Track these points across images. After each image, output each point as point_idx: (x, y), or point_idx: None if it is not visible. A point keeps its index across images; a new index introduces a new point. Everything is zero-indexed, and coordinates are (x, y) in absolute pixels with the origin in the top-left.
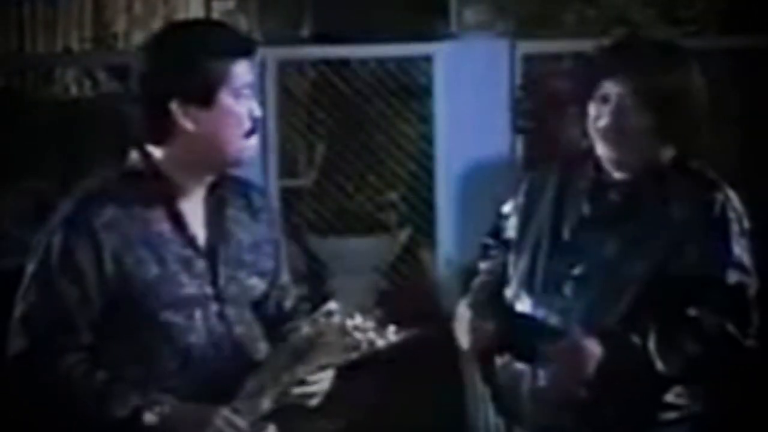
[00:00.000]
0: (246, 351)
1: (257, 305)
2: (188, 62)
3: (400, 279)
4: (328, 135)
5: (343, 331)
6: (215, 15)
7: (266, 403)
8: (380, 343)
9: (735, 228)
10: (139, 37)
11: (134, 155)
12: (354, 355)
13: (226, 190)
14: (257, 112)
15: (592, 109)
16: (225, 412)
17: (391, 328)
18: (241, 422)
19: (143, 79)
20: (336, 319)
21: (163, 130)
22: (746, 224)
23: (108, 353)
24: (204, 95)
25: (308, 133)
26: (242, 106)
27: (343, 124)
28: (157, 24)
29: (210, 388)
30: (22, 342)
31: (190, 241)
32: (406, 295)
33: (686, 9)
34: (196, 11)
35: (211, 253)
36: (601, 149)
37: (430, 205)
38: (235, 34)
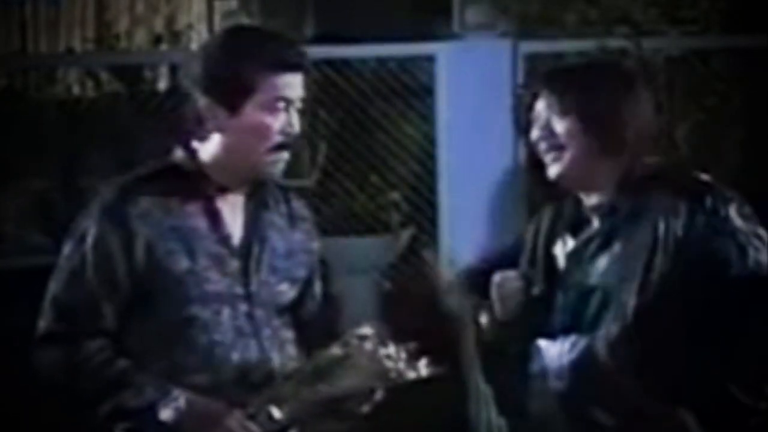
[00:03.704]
0: (270, 354)
1: (290, 310)
2: (225, 64)
3: (403, 279)
4: (331, 135)
5: (374, 358)
6: (217, 15)
7: (283, 414)
8: (410, 375)
9: (737, 223)
10: (141, 37)
11: (179, 151)
12: (380, 384)
13: (269, 195)
14: (294, 129)
15: (533, 132)
16: (240, 415)
17: (423, 362)
18: (255, 428)
19: (186, 75)
20: (368, 344)
21: (196, 128)
22: (748, 212)
23: (131, 343)
24: (230, 101)
25: (310, 133)
26: (273, 120)
27: (346, 124)
28: (159, 24)
29: (229, 387)
30: (48, 323)
31: (224, 239)
32: (409, 295)
33: (689, 9)
34: (198, 11)
35: (244, 254)
36: (552, 173)
37: (432, 205)
38: (285, 47)
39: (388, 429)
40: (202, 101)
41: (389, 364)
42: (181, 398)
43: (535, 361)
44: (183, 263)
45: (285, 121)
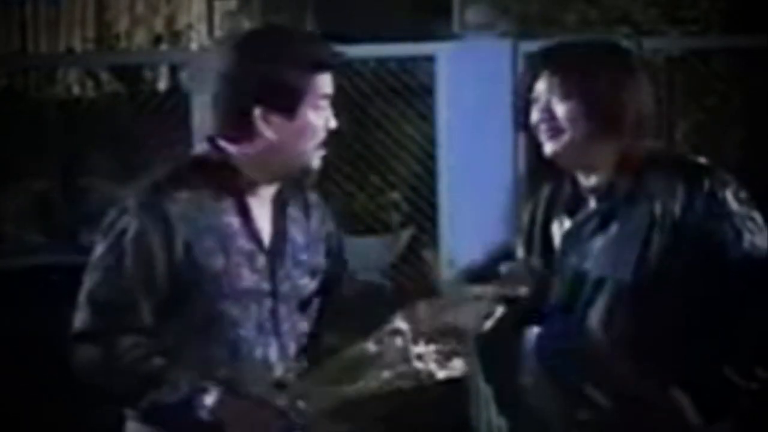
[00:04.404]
0: (288, 350)
1: (309, 304)
2: (276, 71)
3: (403, 279)
4: (331, 135)
5: (405, 356)
6: (218, 15)
7: (311, 409)
8: (441, 375)
9: (734, 206)
10: (141, 37)
11: (205, 146)
12: (408, 384)
13: (288, 190)
14: (332, 123)
15: (533, 114)
16: (271, 409)
17: (456, 361)
18: (286, 422)
19: (227, 79)
20: (400, 341)
21: (241, 132)
22: (744, 196)
23: (165, 338)
24: (289, 106)
25: None
26: (320, 118)
27: (346, 124)
28: (159, 24)
29: (251, 382)
30: (85, 320)
31: (255, 235)
32: (409, 295)
33: (689, 9)
34: (198, 11)
35: (272, 250)
36: (548, 150)
37: (432, 205)
38: (322, 46)
39: (389, 429)
40: (255, 111)
41: (419, 364)
42: (215, 393)
43: (528, 341)
44: (219, 261)
45: (326, 118)
